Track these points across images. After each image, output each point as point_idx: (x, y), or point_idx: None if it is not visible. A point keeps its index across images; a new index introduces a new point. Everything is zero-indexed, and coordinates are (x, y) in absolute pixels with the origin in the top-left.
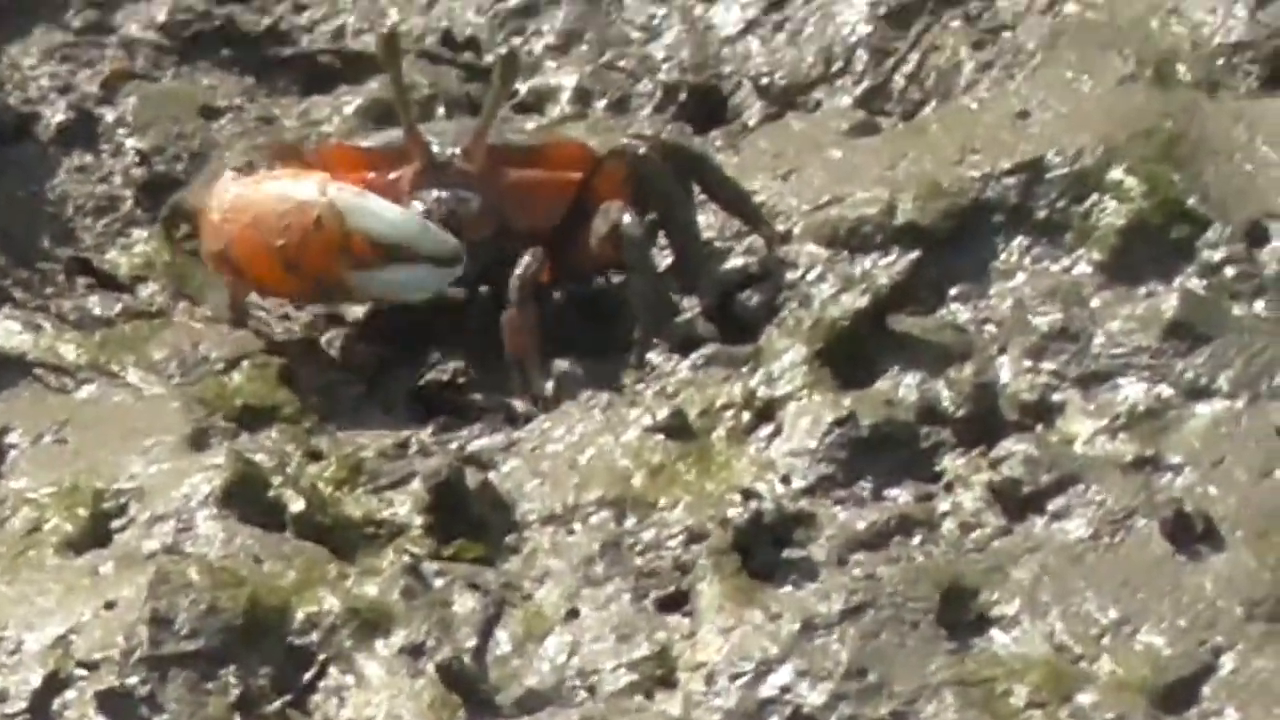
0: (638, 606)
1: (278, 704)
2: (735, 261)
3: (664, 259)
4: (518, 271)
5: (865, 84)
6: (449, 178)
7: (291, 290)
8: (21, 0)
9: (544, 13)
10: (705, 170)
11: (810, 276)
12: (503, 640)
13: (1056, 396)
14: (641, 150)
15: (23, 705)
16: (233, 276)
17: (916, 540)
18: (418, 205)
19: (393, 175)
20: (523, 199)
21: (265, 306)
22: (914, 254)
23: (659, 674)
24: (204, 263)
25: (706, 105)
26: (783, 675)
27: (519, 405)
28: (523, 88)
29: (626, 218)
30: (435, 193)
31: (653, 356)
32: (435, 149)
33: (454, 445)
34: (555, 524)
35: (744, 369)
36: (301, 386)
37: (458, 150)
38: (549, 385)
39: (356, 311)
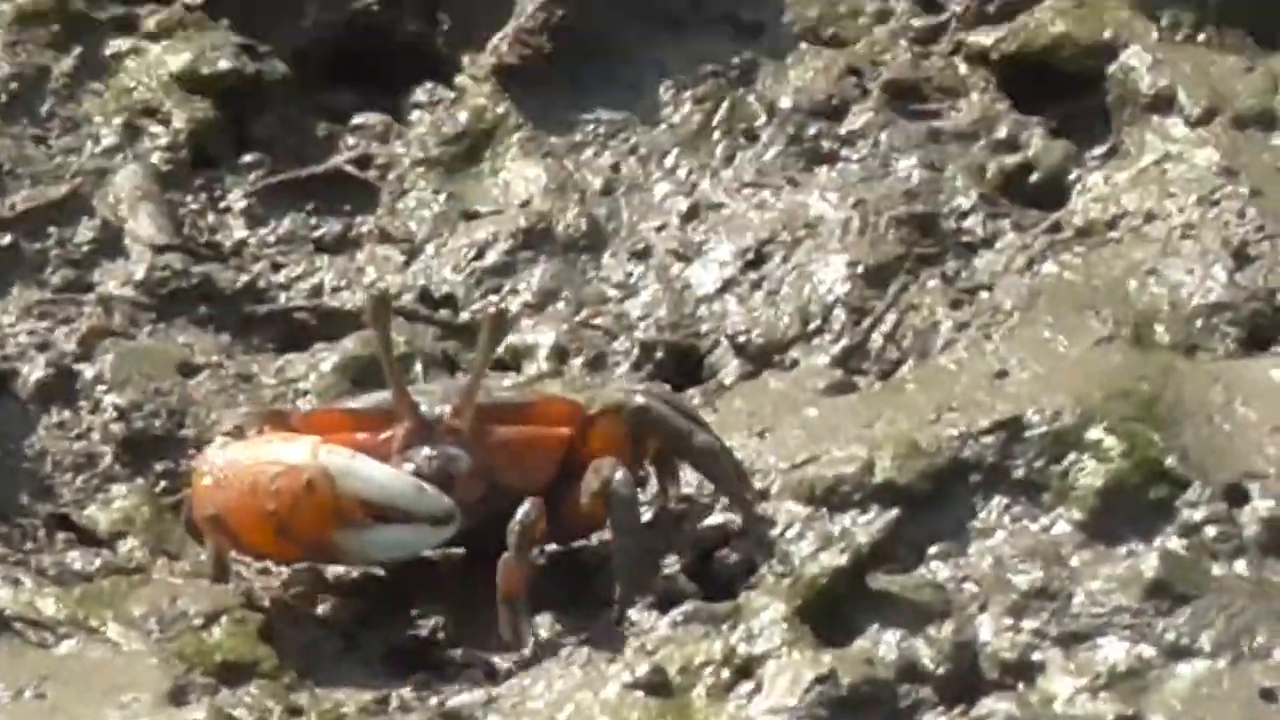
0: None
1: None
2: (714, 519)
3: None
4: (518, 518)
5: (843, 343)
6: (438, 437)
7: (283, 553)
8: (0, 258)
9: (521, 271)
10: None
11: (789, 534)
12: None
13: (1037, 655)
14: (640, 401)
15: None
16: (225, 540)
17: None
18: (408, 465)
19: (382, 436)
20: (512, 457)
21: (245, 561)
22: (893, 512)
23: None
24: (195, 526)
25: (684, 364)
26: None
27: (499, 661)
28: (500, 347)
29: (619, 475)
30: (425, 452)
31: (632, 613)
32: (424, 409)
33: (434, 702)
34: None
35: (724, 626)
36: (281, 642)
37: (447, 409)
38: (532, 636)
39: (336, 568)
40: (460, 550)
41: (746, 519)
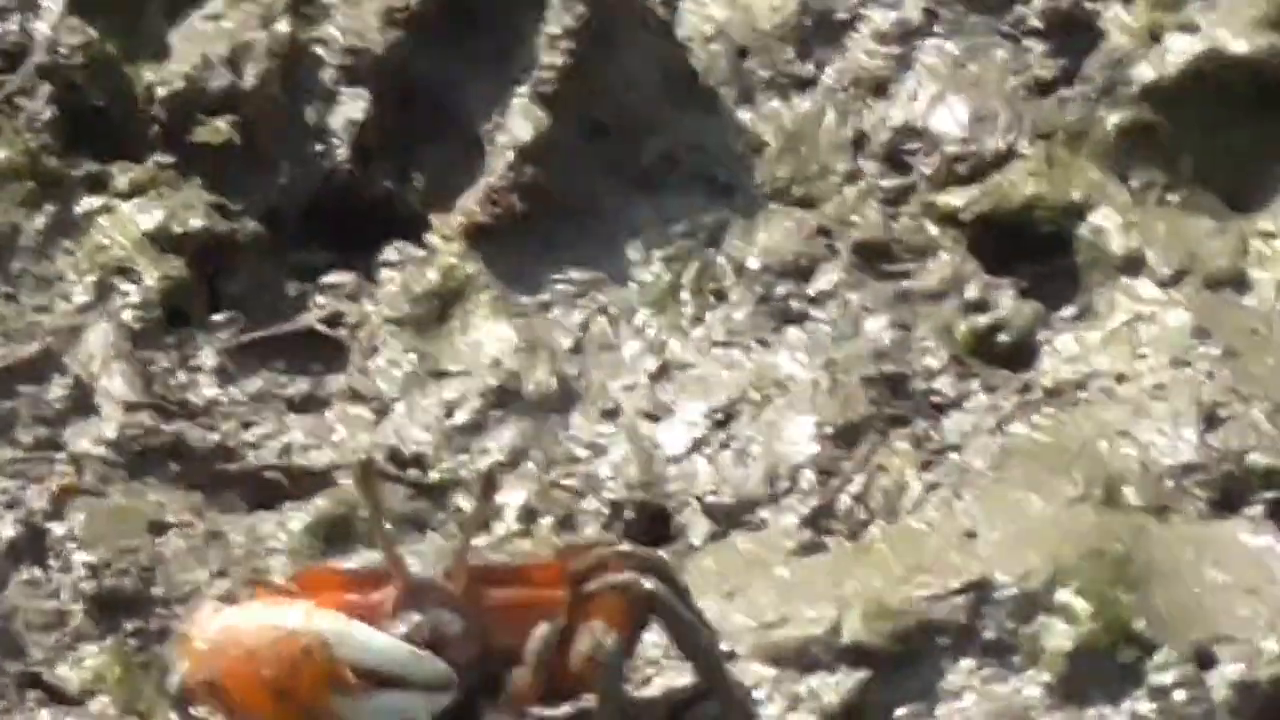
0: None
1: None
2: (682, 680)
3: None
4: (540, 635)
5: (812, 503)
6: (430, 600)
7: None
8: None
9: (491, 430)
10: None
11: (757, 695)
12: None
13: None
14: (649, 587)
15: None
16: (221, 708)
17: None
18: (401, 629)
19: (374, 597)
20: (505, 619)
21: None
22: (861, 674)
23: None
24: (186, 693)
25: (653, 524)
26: None
27: None
28: (466, 504)
29: (609, 641)
30: (417, 616)
31: None
32: (415, 570)
33: None
34: None
35: None
36: None
37: (439, 572)
38: None
39: None
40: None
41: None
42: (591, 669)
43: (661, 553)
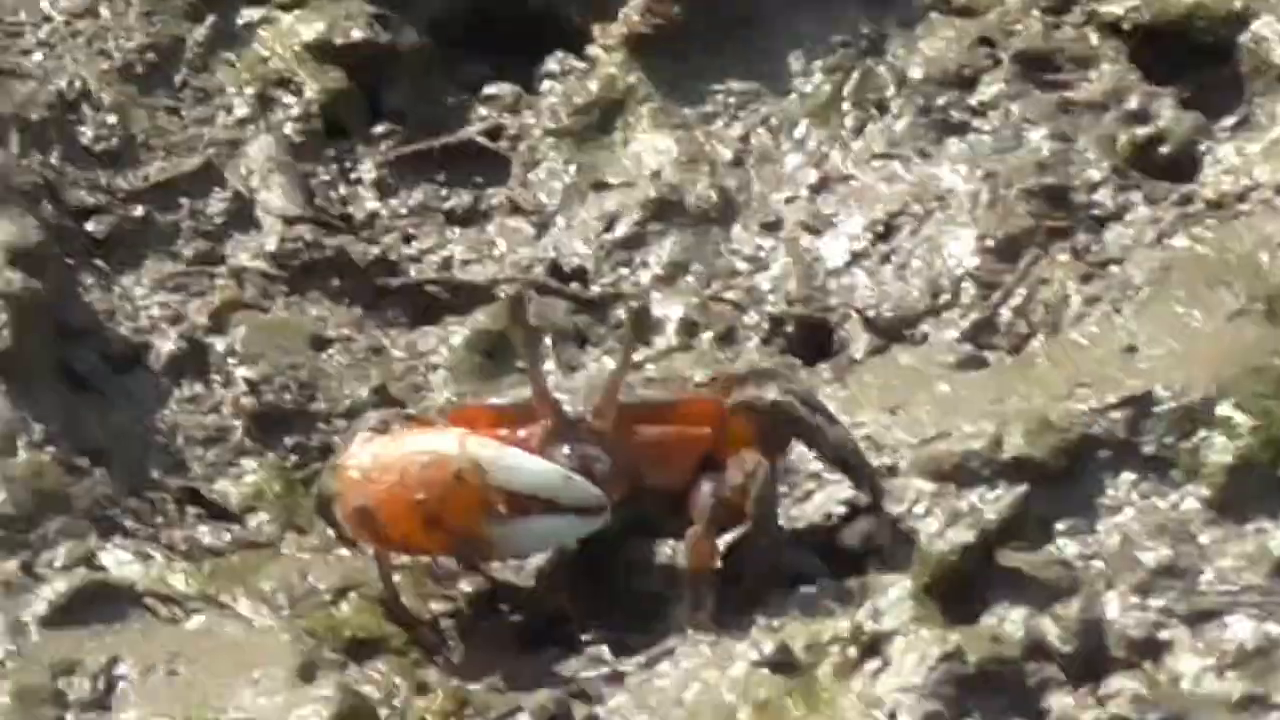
0: None
1: None
2: (841, 494)
3: None
4: (704, 491)
5: (972, 317)
6: (580, 436)
7: (433, 547)
8: (133, 231)
9: (651, 244)
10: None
11: (917, 511)
12: None
13: (1164, 634)
14: (773, 397)
15: None
16: (372, 535)
17: None
18: (552, 460)
19: (522, 433)
20: (654, 457)
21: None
22: (1021, 489)
23: None
24: (342, 523)
25: (813, 338)
26: None
27: (627, 640)
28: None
29: (761, 472)
30: (565, 451)
31: (759, 588)
32: (566, 408)
33: (562, 679)
34: None
35: (850, 603)
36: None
37: (588, 409)
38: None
39: None
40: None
41: (876, 501)
42: (742, 499)
43: (823, 367)
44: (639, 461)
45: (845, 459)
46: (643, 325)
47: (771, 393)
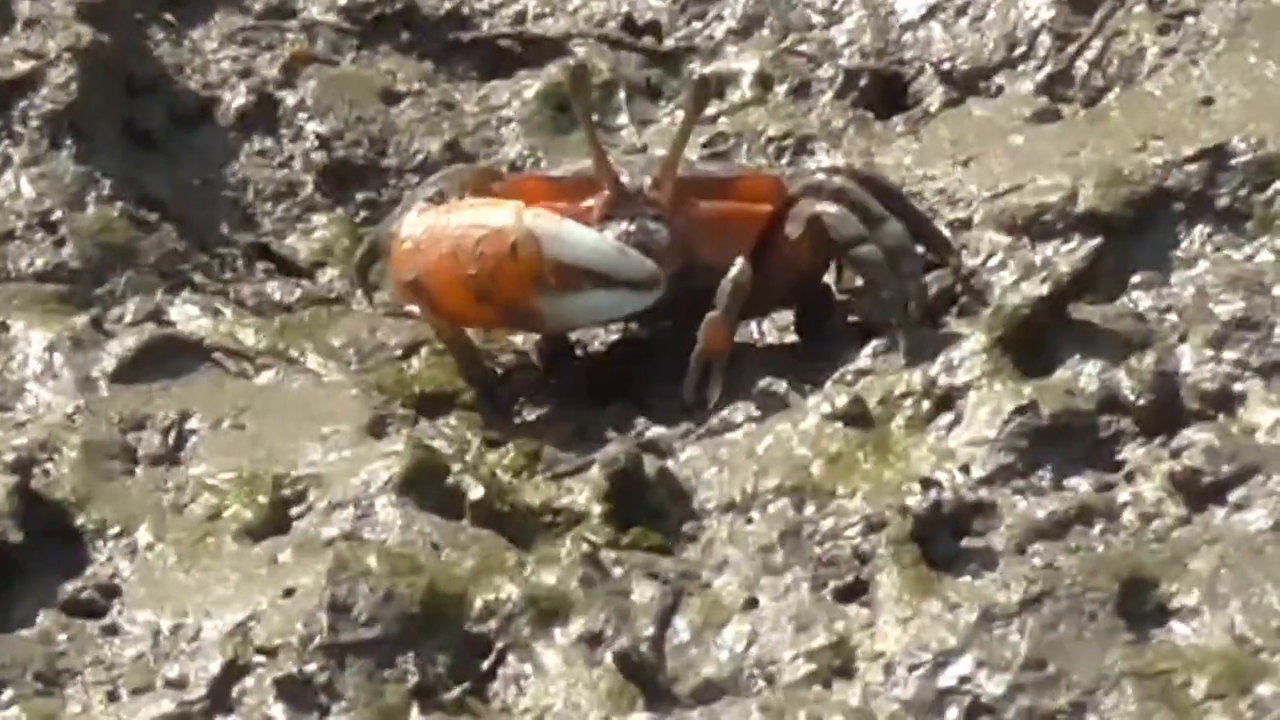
0: (816, 596)
1: (456, 692)
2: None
3: None
4: (731, 276)
5: (1047, 69)
6: (638, 209)
7: (482, 319)
8: None
9: None
10: (892, 199)
11: (991, 264)
12: (681, 629)
13: (1238, 386)
14: (838, 182)
15: (202, 692)
16: (423, 306)
17: (1096, 530)
18: (607, 234)
19: (582, 205)
20: (712, 232)
21: None
22: (1095, 241)
23: (837, 664)
24: (394, 292)
25: (887, 91)
26: (961, 666)
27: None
28: (704, 70)
29: (825, 206)
30: (624, 224)
31: (831, 344)
32: (625, 179)
33: (633, 432)
34: (734, 512)
35: (924, 358)
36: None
37: (647, 181)
38: (717, 392)
39: None
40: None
41: (949, 264)
42: (808, 248)
43: (896, 120)
44: (695, 236)
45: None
46: (706, 95)
47: (838, 179)
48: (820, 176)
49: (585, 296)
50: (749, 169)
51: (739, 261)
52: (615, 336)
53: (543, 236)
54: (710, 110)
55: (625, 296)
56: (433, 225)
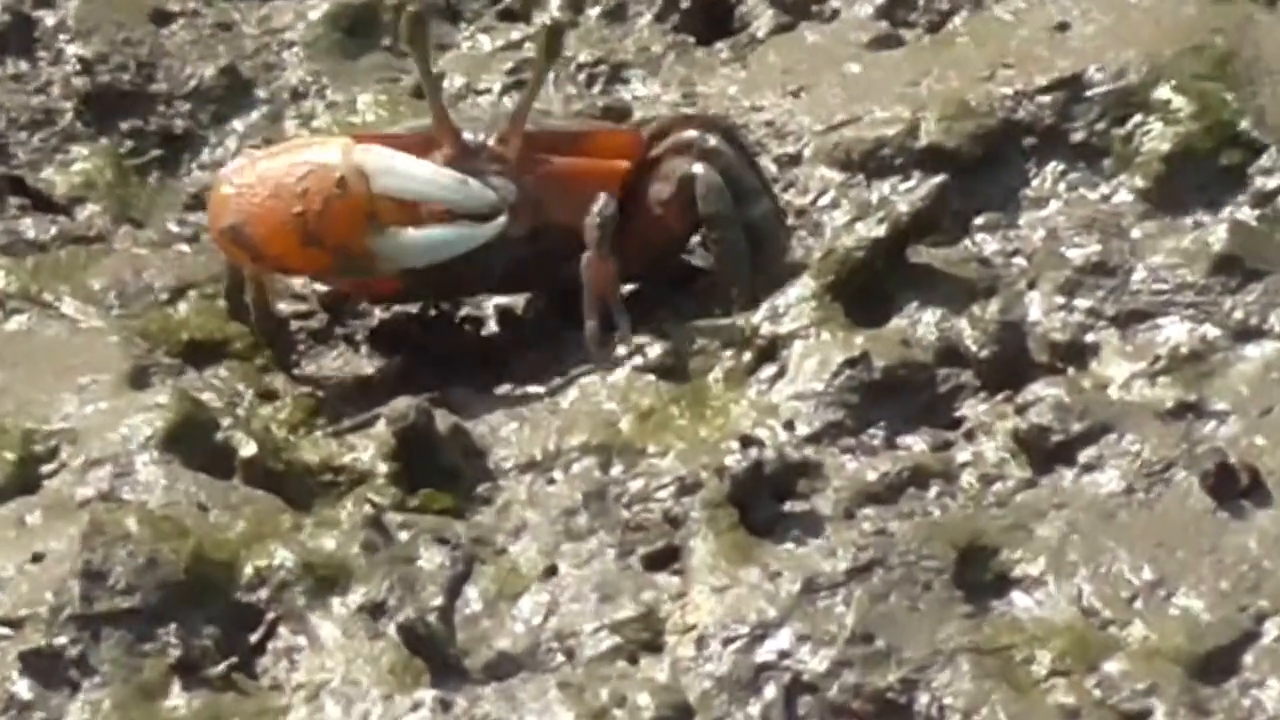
0: (622, 564)
1: (222, 667)
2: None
3: None
4: (594, 211)
5: None
6: (482, 164)
7: (311, 266)
8: None
9: None
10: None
11: (822, 203)
12: (472, 599)
13: (1091, 337)
14: (711, 142)
15: None
16: (246, 256)
17: (932, 493)
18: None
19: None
20: (564, 190)
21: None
22: (937, 179)
23: (644, 637)
24: (213, 243)
25: (712, 13)
26: (781, 640)
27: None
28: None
29: (698, 168)
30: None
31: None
32: (467, 135)
33: (423, 384)
34: (533, 472)
35: (745, 303)
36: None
37: (493, 135)
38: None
39: None
40: (499, 300)
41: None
42: (677, 214)
43: (720, 46)
44: (546, 194)
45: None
46: (557, 44)
47: (711, 139)
48: (691, 133)
49: (422, 233)
50: (603, 124)
51: (601, 196)
52: (483, 311)
53: (372, 170)
54: (515, 34)
55: (466, 230)
56: (253, 168)
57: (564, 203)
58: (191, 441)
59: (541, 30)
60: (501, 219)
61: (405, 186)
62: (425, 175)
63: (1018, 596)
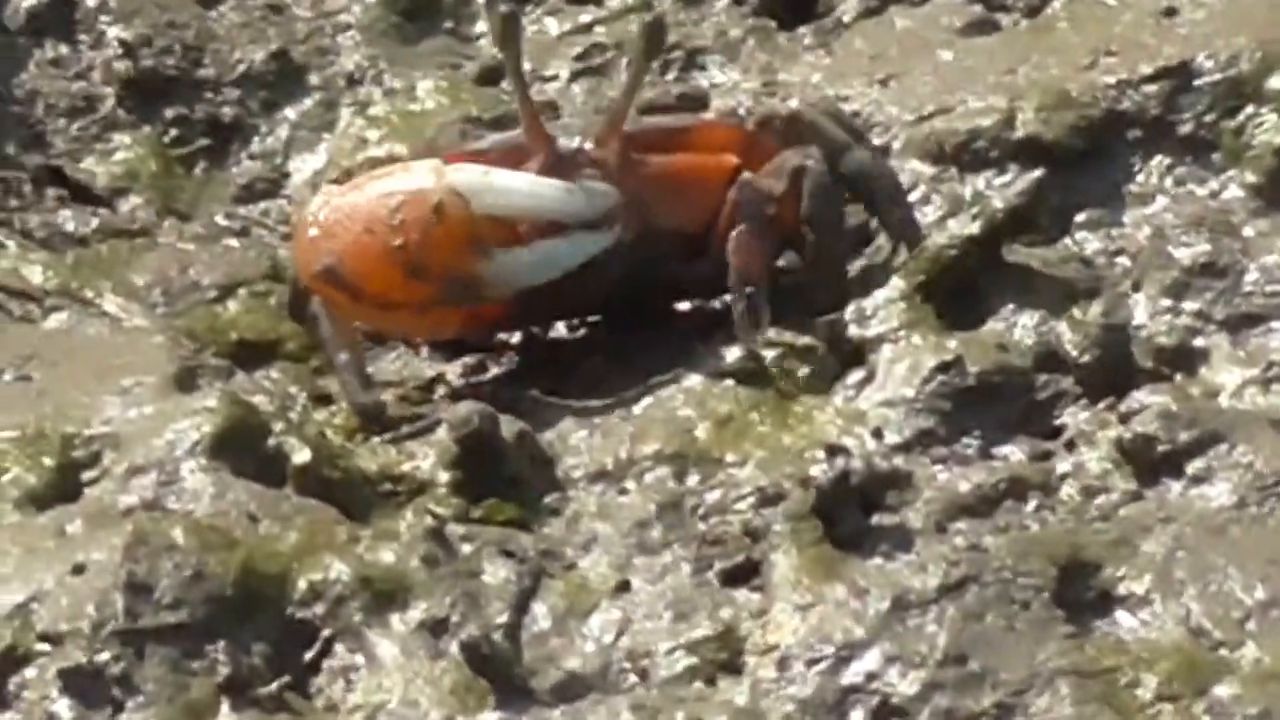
0: (699, 579)
1: (273, 686)
2: None
3: None
4: (748, 183)
5: None
6: (579, 170)
7: (419, 299)
8: None
9: None
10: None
11: (912, 198)
12: (540, 616)
13: (1199, 341)
14: (794, 106)
15: None
16: (345, 297)
17: (1030, 506)
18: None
19: None
20: (668, 190)
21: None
22: (1035, 173)
23: (722, 658)
24: (305, 289)
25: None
26: (868, 661)
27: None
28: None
29: (810, 162)
30: None
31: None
32: (562, 141)
33: (488, 389)
34: (604, 482)
35: (830, 304)
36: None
37: (588, 139)
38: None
39: None
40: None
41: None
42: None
43: (804, 31)
44: (650, 198)
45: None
46: (658, 41)
47: (794, 102)
48: (776, 104)
49: (533, 249)
50: (704, 118)
51: (743, 176)
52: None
53: (469, 190)
54: (584, 17)
55: (579, 240)
56: (341, 203)
57: (671, 205)
58: (241, 447)
59: (641, 25)
60: (617, 227)
61: (508, 203)
62: (527, 188)
63: (1122, 616)
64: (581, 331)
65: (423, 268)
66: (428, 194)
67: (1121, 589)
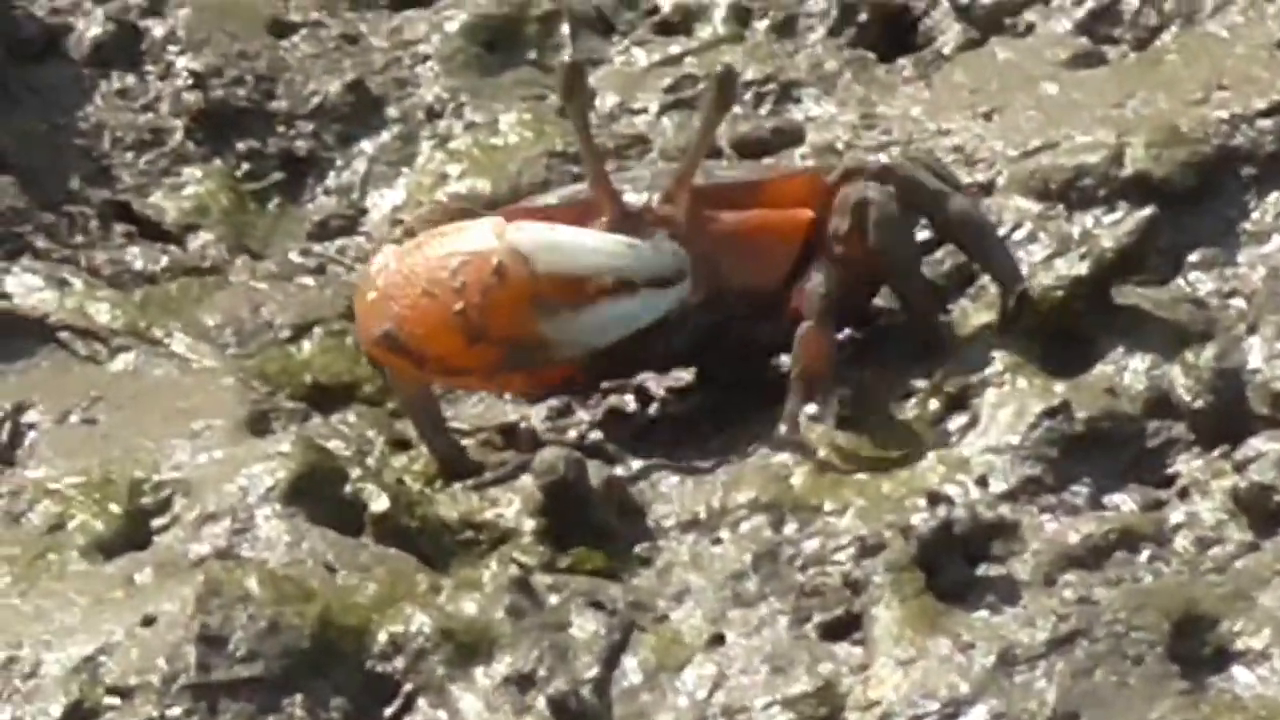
0: (796, 632)
1: None
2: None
3: None
4: (815, 282)
5: (1089, 4)
6: (647, 229)
7: (482, 364)
8: None
9: None
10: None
11: (1017, 237)
12: (630, 670)
13: None
14: (885, 161)
15: None
16: (408, 362)
17: (1142, 557)
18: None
19: None
20: (740, 249)
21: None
22: (1145, 212)
23: (822, 714)
24: (365, 355)
25: (893, 28)
26: (975, 717)
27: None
28: (666, 3)
29: (871, 193)
30: None
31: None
32: (629, 197)
33: (574, 434)
34: (696, 531)
35: (932, 347)
36: None
37: (657, 195)
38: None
39: None
40: (682, 376)
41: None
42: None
43: (903, 63)
44: (721, 256)
45: (968, 235)
46: (730, 92)
47: (884, 157)
48: (863, 158)
49: (598, 309)
50: (779, 168)
51: (817, 266)
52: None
53: (531, 249)
54: (674, 48)
55: (648, 298)
56: (400, 265)
57: (743, 264)
58: (317, 494)
59: (711, 78)
60: (685, 284)
61: (573, 261)
62: (591, 245)
63: (1239, 672)
64: (671, 377)
65: (485, 332)
66: (488, 254)
67: (1238, 644)
